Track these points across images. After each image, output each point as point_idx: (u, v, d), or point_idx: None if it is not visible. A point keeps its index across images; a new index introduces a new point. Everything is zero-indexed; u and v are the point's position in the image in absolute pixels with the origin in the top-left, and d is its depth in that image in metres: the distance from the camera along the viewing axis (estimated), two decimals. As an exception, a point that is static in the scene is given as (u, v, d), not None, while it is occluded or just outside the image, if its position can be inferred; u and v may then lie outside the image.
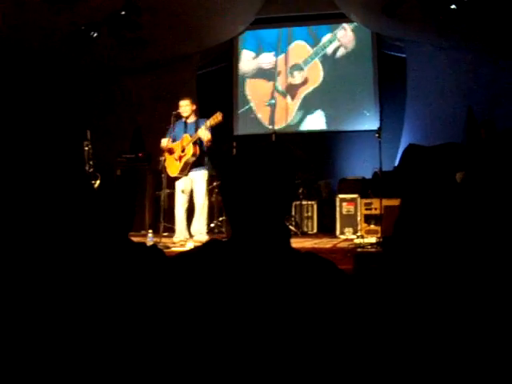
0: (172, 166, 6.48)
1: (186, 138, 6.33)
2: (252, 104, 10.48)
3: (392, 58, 9.80)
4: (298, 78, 10.31)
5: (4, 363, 1.63)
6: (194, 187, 6.46)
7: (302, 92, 10.23)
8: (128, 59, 9.03)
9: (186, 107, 6.48)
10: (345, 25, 10.06)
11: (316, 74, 10.21)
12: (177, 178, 6.54)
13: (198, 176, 6.42)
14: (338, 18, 9.81)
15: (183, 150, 6.33)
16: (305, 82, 10.28)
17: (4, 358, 1.64)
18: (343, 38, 10.11)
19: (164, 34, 8.35)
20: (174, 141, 6.47)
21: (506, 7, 6.55)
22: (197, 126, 6.31)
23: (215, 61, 10.62)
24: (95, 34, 7.17)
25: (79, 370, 1.68)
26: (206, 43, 9.83)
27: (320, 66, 10.20)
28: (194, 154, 6.26)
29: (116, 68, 9.50)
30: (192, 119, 6.50)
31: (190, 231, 6.55)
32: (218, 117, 6.08)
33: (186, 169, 6.38)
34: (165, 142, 6.48)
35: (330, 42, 10.15)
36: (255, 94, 10.48)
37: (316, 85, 10.21)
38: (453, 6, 6.53)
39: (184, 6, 7.83)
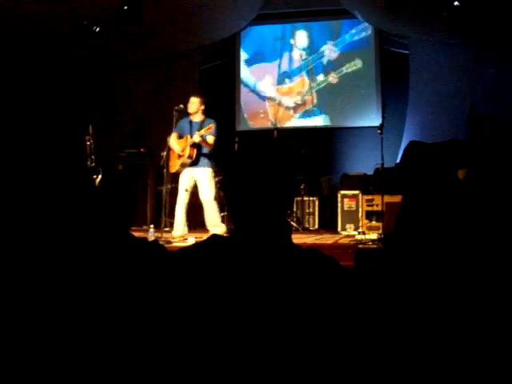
0: (173, 163, 6.60)
1: (187, 138, 6.43)
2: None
3: (395, 55, 9.77)
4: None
5: (4, 362, 1.64)
6: (198, 185, 6.52)
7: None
8: (130, 54, 9.02)
9: (194, 104, 6.50)
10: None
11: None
12: (177, 174, 6.63)
13: (200, 173, 6.46)
14: (340, 14, 9.78)
15: (183, 150, 6.41)
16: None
17: (4, 356, 1.64)
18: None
19: (166, 28, 8.34)
20: (180, 137, 6.54)
21: (508, 4, 6.53)
22: (201, 127, 6.36)
23: (218, 56, 10.60)
24: (97, 29, 7.17)
25: (80, 366, 1.68)
26: (209, 38, 9.81)
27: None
28: (189, 157, 6.36)
29: (118, 63, 9.50)
30: (198, 118, 6.53)
31: (189, 227, 6.70)
32: (210, 128, 6.25)
33: (183, 168, 6.49)
34: (173, 140, 6.56)
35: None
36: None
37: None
38: (456, 3, 6.52)
39: (186, 1, 7.81)
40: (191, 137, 6.32)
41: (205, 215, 6.55)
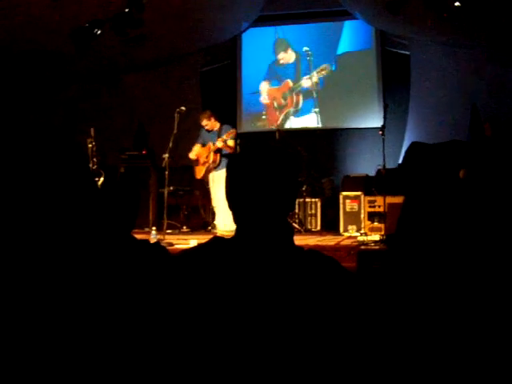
0: (198, 170, 7.05)
1: (209, 146, 6.85)
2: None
3: (396, 55, 9.76)
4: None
5: (4, 363, 1.64)
6: (213, 185, 6.90)
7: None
8: (131, 56, 9.03)
9: (206, 125, 6.91)
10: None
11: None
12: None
13: (219, 175, 6.77)
14: (341, 16, 9.78)
15: (207, 157, 6.85)
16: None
17: (4, 357, 1.64)
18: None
19: (167, 31, 8.35)
20: (203, 145, 6.97)
21: (510, 5, 6.53)
22: (219, 134, 6.81)
23: (219, 58, 10.60)
24: (99, 32, 7.17)
25: (82, 368, 1.68)
26: (210, 40, 9.81)
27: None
28: (213, 162, 6.83)
29: (120, 65, 9.50)
30: (216, 127, 6.93)
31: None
32: (232, 133, 6.76)
33: (209, 173, 6.95)
34: (194, 152, 6.98)
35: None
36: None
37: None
38: (457, 4, 6.51)
39: (187, 2, 7.82)
40: (213, 144, 6.74)
41: (216, 215, 6.90)
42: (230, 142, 6.76)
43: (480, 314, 1.59)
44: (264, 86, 10.43)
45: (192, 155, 6.95)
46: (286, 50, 10.31)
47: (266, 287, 1.30)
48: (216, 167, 6.86)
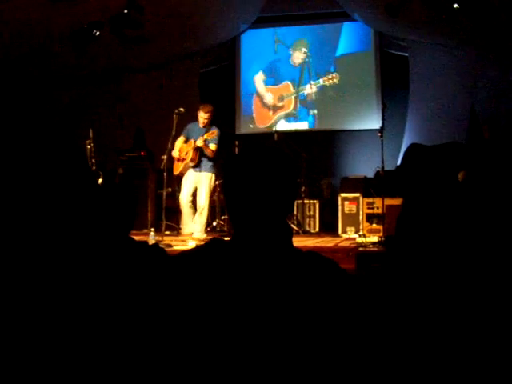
0: (176, 165, 6.79)
1: (191, 142, 6.63)
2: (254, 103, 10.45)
3: (395, 57, 9.76)
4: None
5: (4, 363, 1.63)
6: (198, 187, 6.66)
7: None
8: (130, 58, 9.03)
9: (204, 118, 6.67)
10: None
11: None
12: (178, 177, 6.85)
13: (201, 179, 6.64)
14: (340, 17, 9.78)
15: (186, 154, 6.62)
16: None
17: (4, 357, 1.64)
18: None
19: (166, 32, 8.35)
20: (187, 140, 6.75)
21: (508, 6, 6.54)
22: (206, 133, 6.59)
23: (218, 59, 10.60)
24: (97, 33, 7.17)
25: (80, 370, 1.68)
26: (208, 42, 9.81)
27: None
28: (192, 160, 6.58)
29: (118, 67, 9.50)
30: (207, 125, 6.72)
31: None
32: (212, 133, 6.53)
33: (186, 170, 6.70)
34: (179, 142, 6.75)
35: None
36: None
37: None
38: (455, 5, 6.52)
39: (185, 4, 7.82)
40: (194, 141, 6.53)
41: (194, 218, 6.70)
42: (212, 146, 6.53)
43: (479, 315, 1.59)
44: (259, 81, 10.41)
45: (175, 153, 6.69)
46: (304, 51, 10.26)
47: (265, 289, 1.30)
48: (194, 167, 6.63)
